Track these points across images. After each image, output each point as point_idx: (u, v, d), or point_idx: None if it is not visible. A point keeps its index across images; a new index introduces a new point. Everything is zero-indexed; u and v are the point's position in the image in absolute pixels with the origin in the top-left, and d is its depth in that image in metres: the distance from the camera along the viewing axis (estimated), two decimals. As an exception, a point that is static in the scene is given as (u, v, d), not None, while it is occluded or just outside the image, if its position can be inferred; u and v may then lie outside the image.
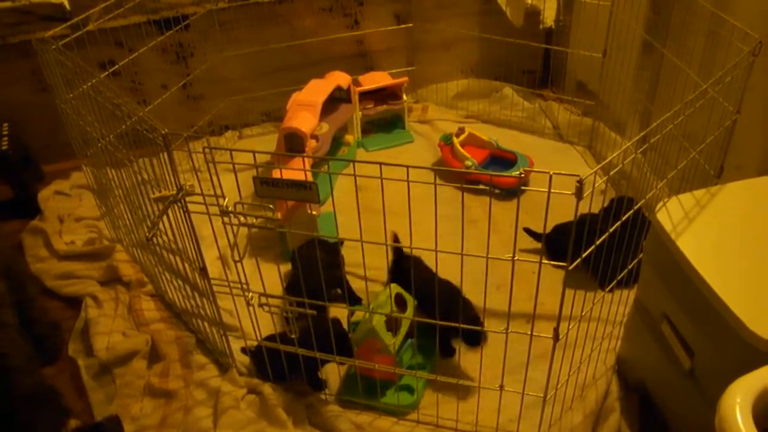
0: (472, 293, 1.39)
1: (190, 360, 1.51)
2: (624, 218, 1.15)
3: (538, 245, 1.73)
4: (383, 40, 2.37)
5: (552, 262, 1.08)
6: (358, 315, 1.48)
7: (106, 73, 1.66)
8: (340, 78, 2.10)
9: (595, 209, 1.59)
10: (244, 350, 1.46)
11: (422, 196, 1.03)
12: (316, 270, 1.26)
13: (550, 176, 0.94)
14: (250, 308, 1.30)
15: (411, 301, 1.42)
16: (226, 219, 1.17)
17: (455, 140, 2.06)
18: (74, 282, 1.75)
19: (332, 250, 1.58)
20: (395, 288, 1.40)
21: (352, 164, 1.07)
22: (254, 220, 1.22)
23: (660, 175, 1.30)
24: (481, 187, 1.88)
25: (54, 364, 1.55)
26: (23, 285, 1.49)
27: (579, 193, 0.93)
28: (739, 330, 0.95)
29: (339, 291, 1.59)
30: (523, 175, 1.01)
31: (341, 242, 1.60)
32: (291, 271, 1.63)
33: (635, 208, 1.19)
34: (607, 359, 1.41)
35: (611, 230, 1.11)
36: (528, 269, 1.41)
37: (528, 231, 1.74)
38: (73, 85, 1.45)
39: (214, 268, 1.47)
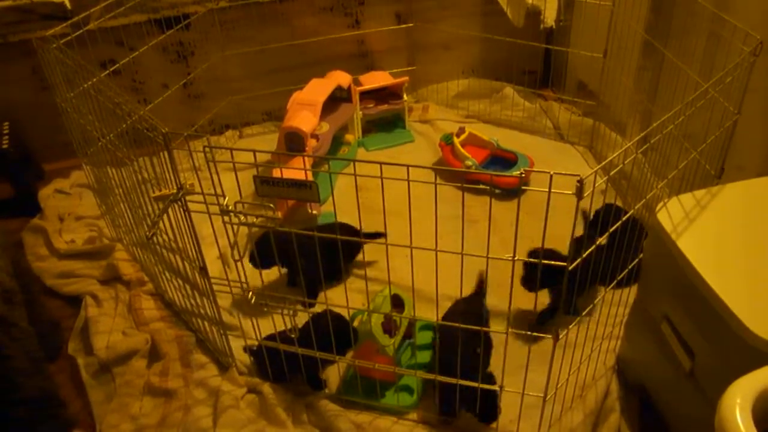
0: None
1: (190, 359, 1.51)
2: (626, 225, 1.15)
3: (538, 245, 1.71)
4: (384, 40, 2.37)
5: (552, 262, 1.08)
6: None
7: (107, 72, 1.65)
8: (340, 77, 2.10)
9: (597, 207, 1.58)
10: (246, 349, 1.46)
11: (422, 195, 1.03)
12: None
13: (551, 176, 0.94)
14: (250, 307, 1.30)
15: (408, 302, 1.42)
16: (226, 218, 1.17)
17: (456, 140, 2.06)
18: (74, 281, 1.75)
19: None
20: (393, 289, 1.40)
21: (352, 164, 1.06)
22: (254, 220, 1.22)
23: (660, 175, 1.30)
24: (482, 186, 1.88)
25: (53, 362, 1.55)
26: (28, 283, 1.49)
27: (579, 193, 0.93)
28: (739, 330, 0.95)
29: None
30: (523, 175, 1.01)
31: None
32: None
33: (630, 215, 1.19)
34: (607, 359, 1.40)
35: (615, 238, 1.11)
36: (528, 269, 1.40)
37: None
38: (74, 83, 1.45)
39: (214, 267, 1.47)
